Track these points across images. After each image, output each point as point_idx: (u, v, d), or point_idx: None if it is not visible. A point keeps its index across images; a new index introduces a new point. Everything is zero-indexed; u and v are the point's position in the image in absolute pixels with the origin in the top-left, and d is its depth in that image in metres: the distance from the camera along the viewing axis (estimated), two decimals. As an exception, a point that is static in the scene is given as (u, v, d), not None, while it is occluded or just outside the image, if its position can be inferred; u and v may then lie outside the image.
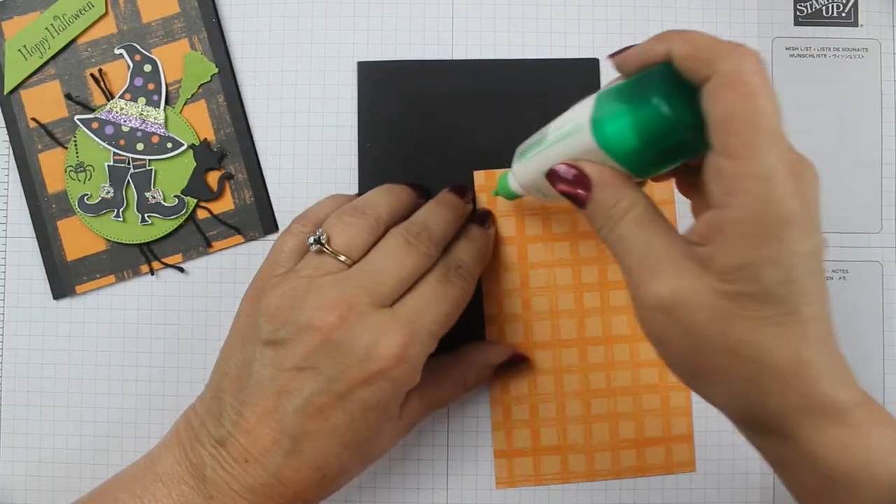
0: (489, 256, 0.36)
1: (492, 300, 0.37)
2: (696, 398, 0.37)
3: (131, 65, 0.38)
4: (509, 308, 0.37)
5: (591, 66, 0.38)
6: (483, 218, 0.36)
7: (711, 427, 0.37)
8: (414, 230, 0.32)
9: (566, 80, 0.38)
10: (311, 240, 0.31)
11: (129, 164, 0.38)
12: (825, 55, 0.38)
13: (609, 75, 0.38)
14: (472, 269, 0.33)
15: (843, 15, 0.38)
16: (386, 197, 0.34)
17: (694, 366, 0.25)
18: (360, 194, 0.38)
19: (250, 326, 0.30)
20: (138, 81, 0.38)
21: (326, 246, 0.31)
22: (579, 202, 0.27)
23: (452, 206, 0.34)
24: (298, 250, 0.32)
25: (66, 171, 0.38)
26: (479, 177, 0.38)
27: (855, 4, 0.38)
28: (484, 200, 0.37)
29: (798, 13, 0.39)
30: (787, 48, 0.38)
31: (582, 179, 0.27)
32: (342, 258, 0.30)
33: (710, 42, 0.23)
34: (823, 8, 0.38)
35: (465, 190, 0.36)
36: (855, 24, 0.38)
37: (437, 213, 0.33)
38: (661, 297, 0.24)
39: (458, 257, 0.33)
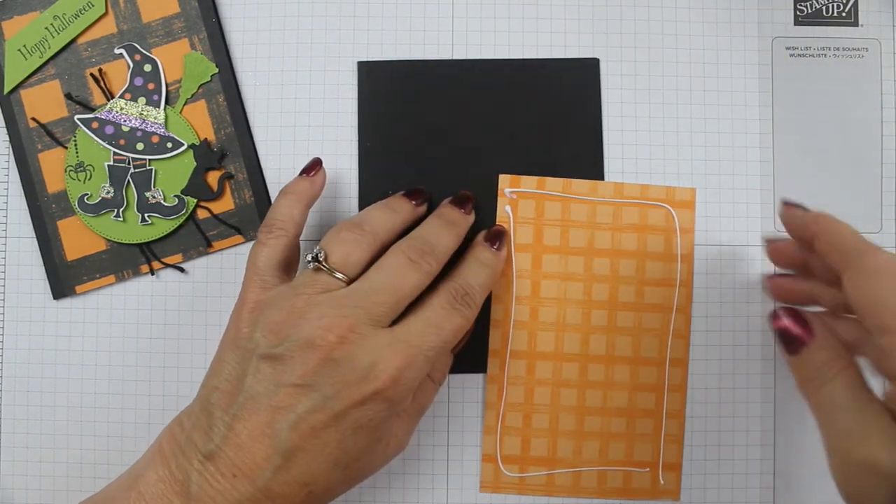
0: (498, 279, 0.36)
1: (500, 305, 0.37)
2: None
3: (131, 64, 0.38)
4: (516, 315, 0.37)
5: (591, 66, 0.38)
6: (495, 238, 0.35)
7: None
8: (416, 247, 0.32)
9: (566, 80, 0.38)
10: (309, 257, 0.31)
11: (129, 163, 0.38)
12: (825, 55, 0.38)
13: (609, 75, 0.38)
14: (479, 297, 0.32)
15: (843, 15, 0.38)
16: (384, 212, 0.33)
17: None
18: (360, 204, 0.38)
19: (245, 340, 0.30)
20: (138, 81, 0.38)
21: (323, 263, 0.31)
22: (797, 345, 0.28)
23: (454, 221, 0.34)
24: (274, 260, 0.32)
25: (66, 171, 0.38)
26: (504, 181, 0.37)
27: (855, 4, 0.38)
28: (506, 205, 0.37)
29: (798, 13, 0.39)
30: (787, 48, 0.38)
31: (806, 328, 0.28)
32: (339, 276, 0.31)
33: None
34: (823, 8, 0.38)
35: (465, 200, 0.36)
36: (855, 24, 0.38)
37: (438, 229, 0.33)
38: (876, 461, 0.24)
39: (466, 283, 0.32)
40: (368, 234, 0.32)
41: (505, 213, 0.37)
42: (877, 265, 0.26)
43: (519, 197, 0.37)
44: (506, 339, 0.37)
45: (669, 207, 0.37)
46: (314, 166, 0.35)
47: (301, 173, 0.35)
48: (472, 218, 0.36)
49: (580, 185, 0.37)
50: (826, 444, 0.26)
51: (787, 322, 0.28)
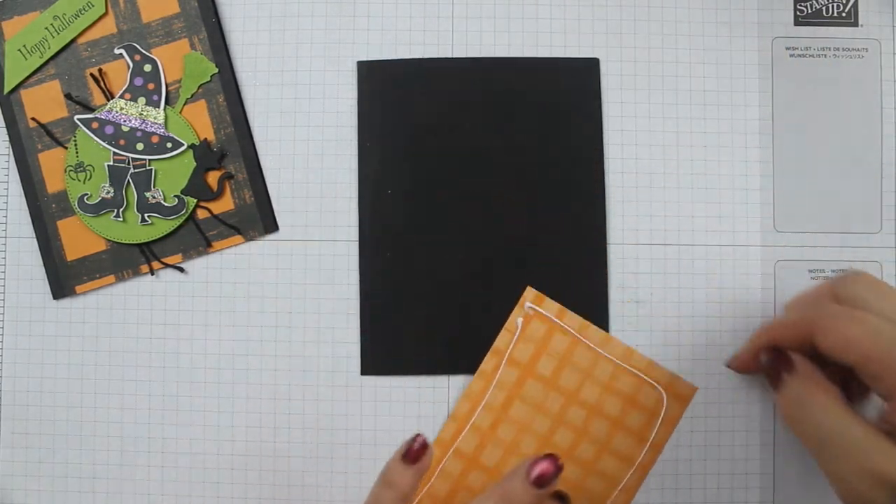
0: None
1: (466, 402, 0.37)
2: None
3: (131, 64, 0.38)
4: (479, 419, 0.36)
5: (591, 65, 0.38)
6: (413, 456, 0.30)
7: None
8: None
9: (566, 79, 0.38)
10: None
11: (129, 163, 0.38)
12: (825, 55, 0.38)
13: (609, 74, 0.38)
14: None
15: (843, 15, 0.38)
16: None
17: None
18: (360, 204, 0.37)
19: None
20: (138, 81, 0.38)
21: None
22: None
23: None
24: None
25: (66, 171, 0.38)
26: (529, 293, 0.37)
27: (855, 4, 0.38)
28: (519, 316, 0.37)
29: (798, 13, 0.39)
30: (787, 48, 0.38)
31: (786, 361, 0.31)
32: None
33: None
34: (823, 8, 0.38)
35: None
36: (855, 24, 0.38)
37: None
38: (885, 474, 0.26)
39: None
40: None
41: (515, 324, 0.37)
42: (835, 312, 0.29)
43: (534, 315, 0.37)
44: (457, 434, 0.36)
45: (665, 394, 0.37)
46: (419, 452, 0.30)
47: (405, 455, 0.30)
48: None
49: (596, 334, 0.37)
50: (823, 468, 0.28)
51: (769, 358, 0.31)
